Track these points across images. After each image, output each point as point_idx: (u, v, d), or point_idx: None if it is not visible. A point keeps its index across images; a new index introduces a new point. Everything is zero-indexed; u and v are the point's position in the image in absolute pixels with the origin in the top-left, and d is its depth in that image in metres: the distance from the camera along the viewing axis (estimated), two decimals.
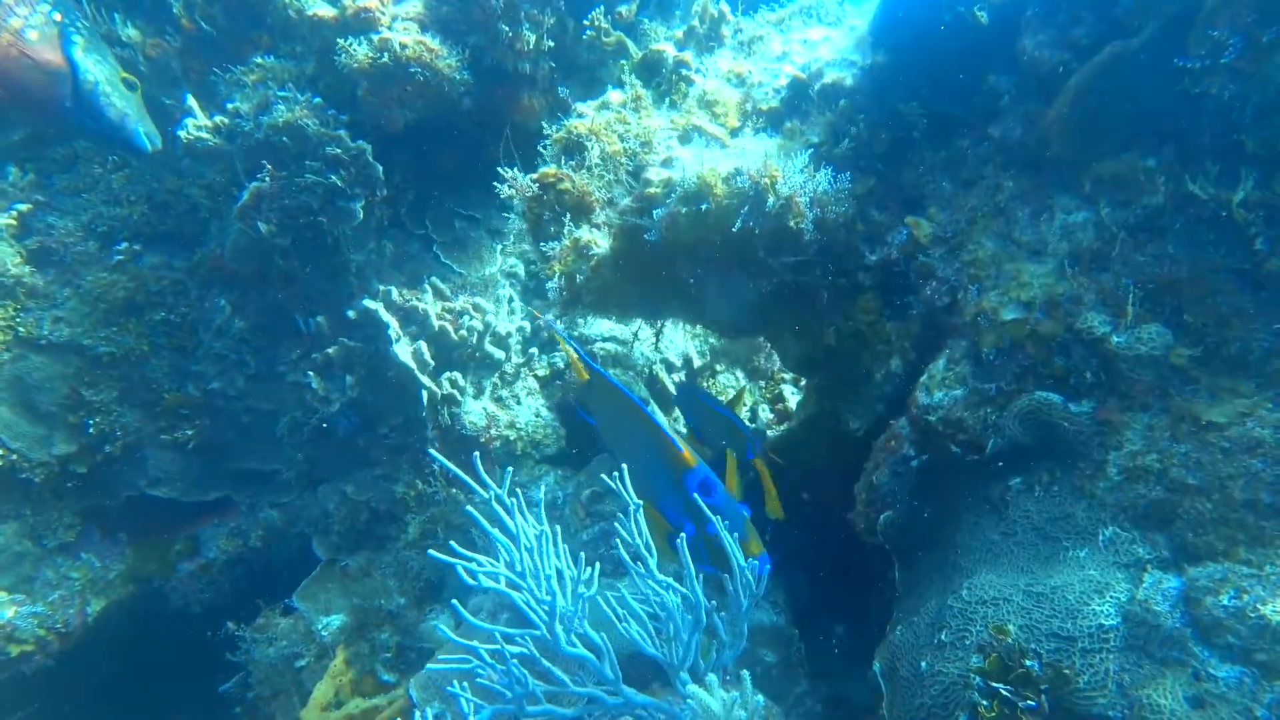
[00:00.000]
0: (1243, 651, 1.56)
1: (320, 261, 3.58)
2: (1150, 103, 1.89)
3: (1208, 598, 1.61)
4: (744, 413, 4.04)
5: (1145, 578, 1.70)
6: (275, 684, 3.58)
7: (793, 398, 4.03)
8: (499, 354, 3.56)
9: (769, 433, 3.77)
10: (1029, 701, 1.61)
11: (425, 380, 3.43)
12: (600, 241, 2.32)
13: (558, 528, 1.72)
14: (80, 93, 2.37)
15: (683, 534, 1.68)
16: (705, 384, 4.25)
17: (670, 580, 1.65)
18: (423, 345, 3.42)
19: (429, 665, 2.97)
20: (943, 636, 1.83)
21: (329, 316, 3.69)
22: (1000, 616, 1.76)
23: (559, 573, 1.67)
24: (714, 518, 1.78)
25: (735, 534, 1.78)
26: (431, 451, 1.79)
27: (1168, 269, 1.79)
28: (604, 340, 3.68)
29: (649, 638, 1.70)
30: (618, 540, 1.69)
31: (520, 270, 3.83)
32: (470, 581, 1.67)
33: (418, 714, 2.83)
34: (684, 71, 2.64)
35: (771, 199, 2.06)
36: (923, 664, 1.84)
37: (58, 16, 2.33)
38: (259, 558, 4.06)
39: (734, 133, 2.56)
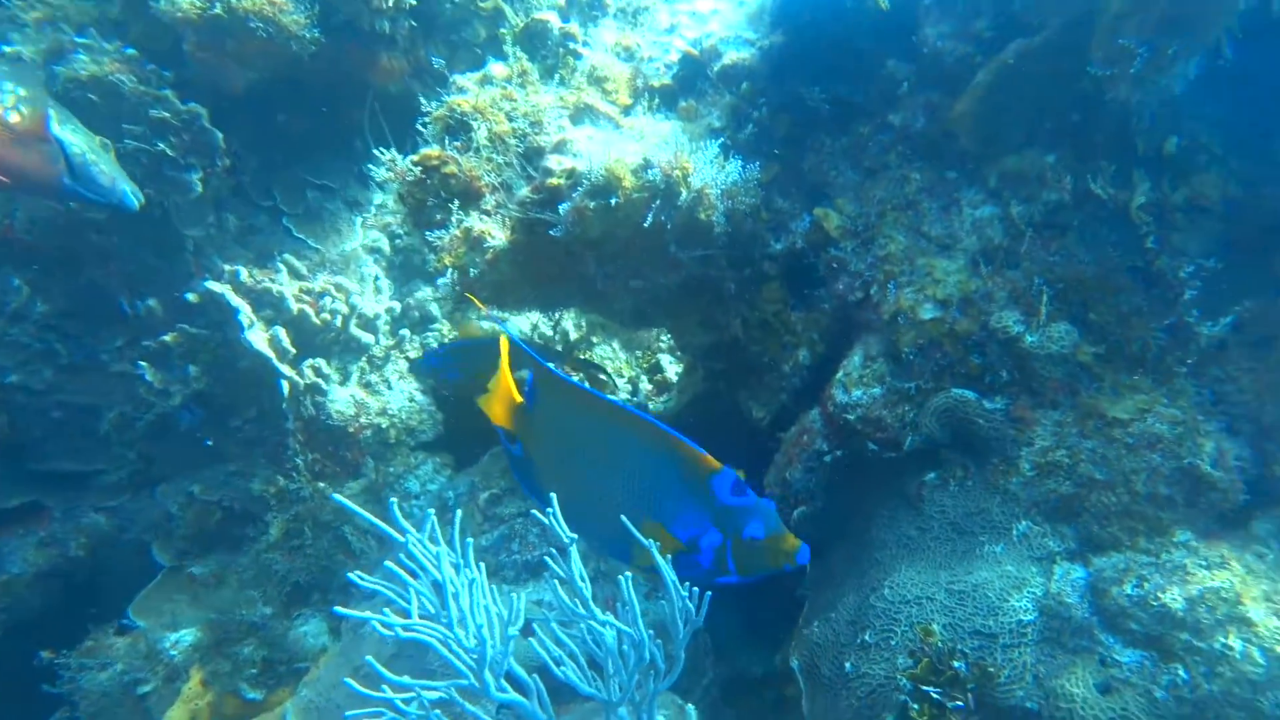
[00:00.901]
0: (1144, 637, 1.66)
1: (146, 236, 3.16)
2: (1051, 100, 1.92)
3: (1113, 588, 1.70)
4: (623, 386, 3.97)
5: (1056, 570, 1.78)
6: (112, 716, 3.21)
7: (671, 367, 4.00)
8: (366, 338, 3.29)
9: (650, 405, 3.72)
10: (957, 702, 1.66)
11: (285, 369, 3.12)
12: (495, 233, 2.13)
13: (482, 565, 1.57)
14: (73, 166, 2.37)
15: (628, 574, 1.57)
16: (583, 355, 4.14)
17: (610, 617, 1.56)
18: (280, 331, 3.10)
19: (304, 687, 2.75)
20: (867, 637, 1.84)
21: (161, 299, 3.27)
22: (924, 616, 1.79)
23: (487, 614, 1.54)
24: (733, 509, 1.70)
25: (770, 529, 1.69)
26: (336, 497, 1.57)
27: (1074, 268, 1.84)
28: (480, 319, 3.48)
29: (581, 674, 1.61)
30: (554, 581, 1.57)
31: (384, 245, 3.54)
32: (386, 633, 1.50)
33: None
34: (571, 45, 2.46)
35: (684, 193, 1.95)
36: (847, 665, 1.85)
37: (23, 91, 2.31)
38: (81, 568, 3.60)
39: (626, 111, 2.42)
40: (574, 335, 4.02)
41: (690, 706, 1.63)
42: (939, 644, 1.71)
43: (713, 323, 2.33)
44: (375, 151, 2.22)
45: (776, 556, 1.69)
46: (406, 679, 1.49)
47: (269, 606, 3.25)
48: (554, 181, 2.04)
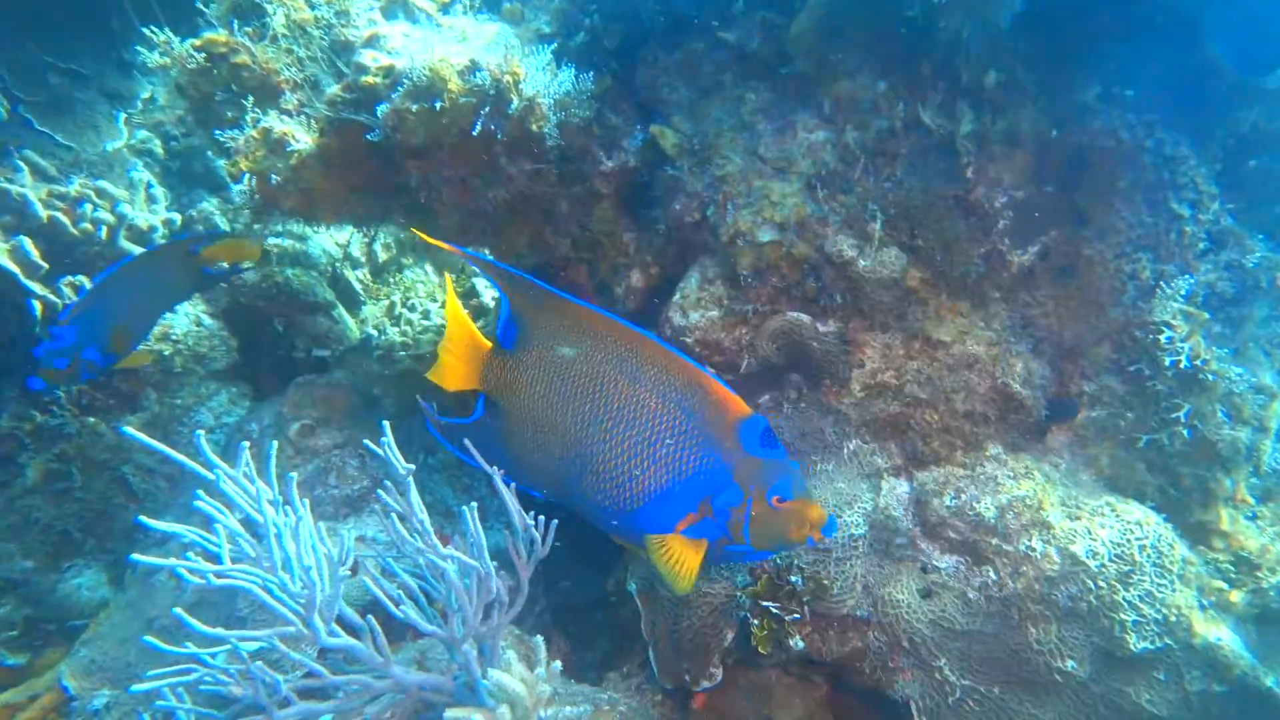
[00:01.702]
0: (960, 544, 1.78)
1: None
2: (884, 27, 1.92)
3: (934, 499, 1.80)
4: (435, 312, 3.76)
5: (883, 485, 1.86)
6: None
7: (489, 292, 3.83)
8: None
9: None
10: (794, 614, 1.71)
11: (35, 287, 2.66)
12: (300, 135, 1.87)
13: (306, 501, 1.41)
14: None
15: (473, 503, 1.46)
16: (391, 280, 3.87)
17: (453, 550, 1.45)
18: (26, 241, 2.63)
19: (82, 646, 2.44)
20: None
21: None
22: None
23: (315, 554, 1.38)
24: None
25: (799, 490, 1.43)
26: (128, 430, 1.32)
27: (904, 194, 1.87)
28: (277, 236, 3.13)
29: (421, 612, 1.50)
30: (387, 515, 1.43)
31: (156, 146, 3.07)
32: (193, 581, 1.31)
33: (79, 706, 2.33)
34: None
35: (516, 100, 1.79)
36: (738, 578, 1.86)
37: None
38: None
39: (444, 9, 2.20)
40: (383, 256, 3.74)
41: (538, 638, 1.57)
42: (777, 560, 1.75)
43: (542, 243, 2.21)
44: (145, 31, 1.87)
45: (800, 526, 1.41)
46: (220, 630, 1.31)
47: (30, 560, 2.84)
48: (369, 80, 1.81)
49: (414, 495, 1.44)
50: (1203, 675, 1.62)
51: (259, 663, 1.38)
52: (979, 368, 1.84)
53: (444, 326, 3.69)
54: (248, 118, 1.88)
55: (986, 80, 1.84)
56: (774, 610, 1.67)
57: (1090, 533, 1.67)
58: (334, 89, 1.84)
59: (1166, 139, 1.71)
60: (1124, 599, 1.63)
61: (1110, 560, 1.65)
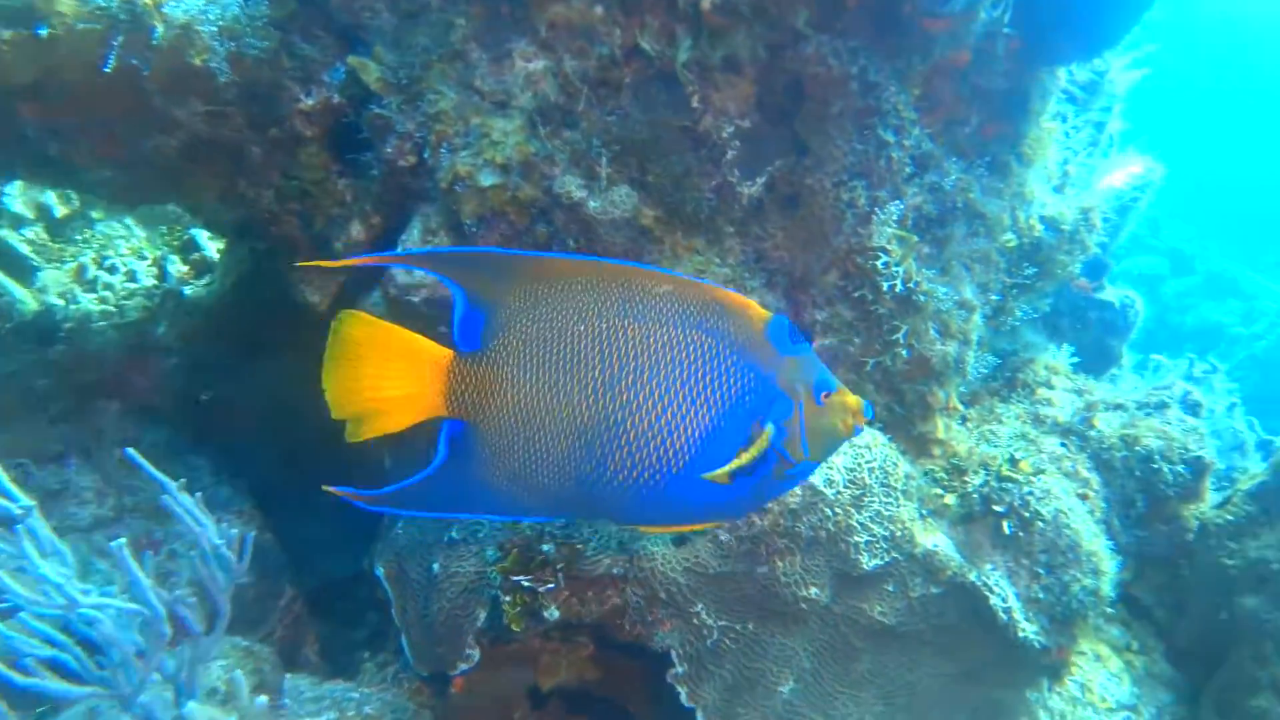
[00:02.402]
0: None
1: None
2: None
3: None
4: (144, 270, 3.27)
5: None
6: None
7: (212, 244, 3.37)
8: None
9: (186, 290, 3.10)
10: (548, 585, 1.63)
11: None
12: None
13: None
14: None
15: (121, 540, 1.20)
16: (79, 237, 3.30)
17: (106, 600, 1.20)
18: None
19: None
20: (454, 533, 1.74)
21: None
22: None
23: None
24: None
25: (835, 378, 1.25)
26: None
27: (630, 128, 1.77)
28: None
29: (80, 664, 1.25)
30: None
31: None
32: None
33: None
34: None
35: (160, 27, 1.49)
36: (435, 565, 1.73)
37: None
38: None
39: None
40: (63, 210, 3.17)
41: (260, 645, 1.39)
42: (526, 530, 1.66)
43: (238, 195, 1.91)
44: None
45: (846, 416, 1.23)
46: None
47: None
48: None
49: (39, 535, 1.17)
50: (923, 580, 1.73)
51: None
52: None
53: (160, 289, 3.20)
54: None
55: (703, 4, 1.75)
56: (526, 585, 1.59)
57: (828, 462, 1.71)
58: None
59: (870, 66, 1.71)
60: (857, 521, 1.70)
61: (845, 486, 1.70)
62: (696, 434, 1.17)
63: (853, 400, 1.24)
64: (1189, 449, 2.04)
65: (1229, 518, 1.95)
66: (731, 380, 1.19)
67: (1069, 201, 2.34)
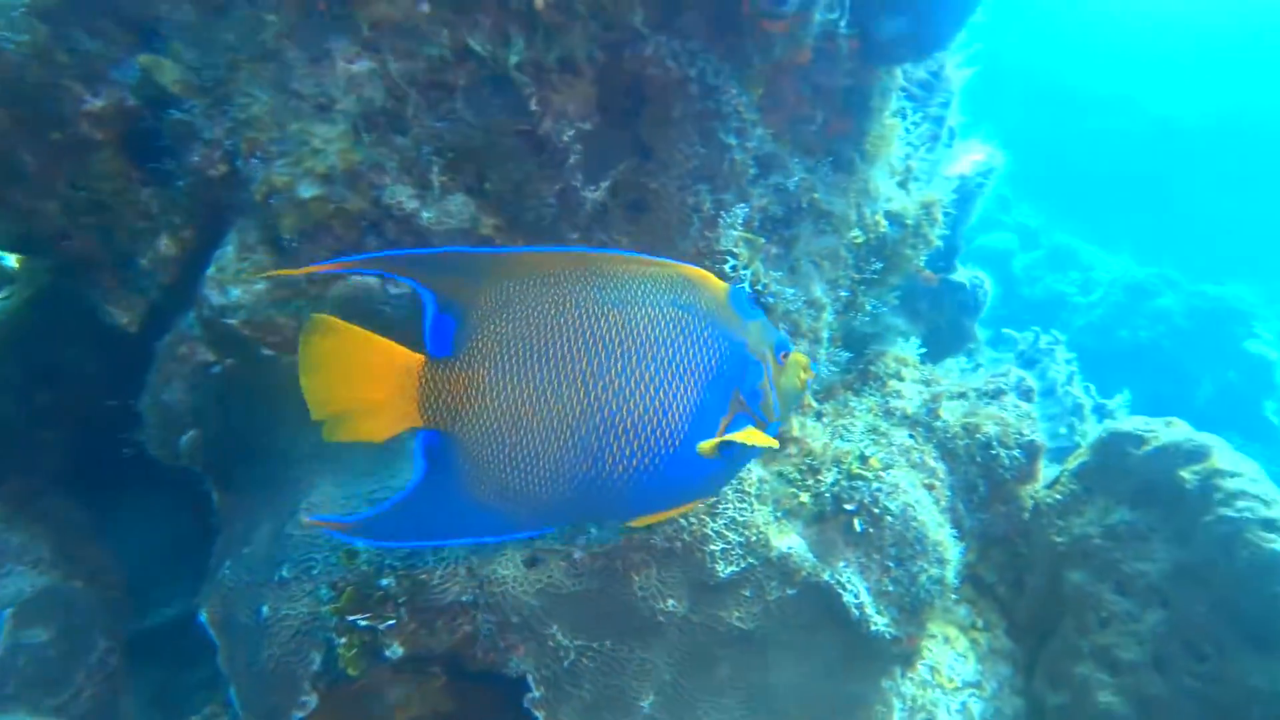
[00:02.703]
0: None
1: None
2: None
3: None
4: None
5: None
6: None
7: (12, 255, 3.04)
8: None
9: None
10: (388, 621, 1.55)
11: None
12: None
13: None
14: None
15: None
16: None
17: None
18: None
19: None
20: (284, 572, 1.61)
21: None
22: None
23: None
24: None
25: (787, 347, 1.26)
26: None
27: (464, 133, 1.68)
28: None
29: None
30: None
31: None
32: None
33: None
34: None
35: None
36: (264, 608, 1.61)
37: None
38: None
39: None
40: None
41: (54, 718, 1.24)
42: (363, 565, 1.56)
43: (15, 207, 1.71)
44: None
45: (801, 372, 1.29)
46: None
47: None
48: None
49: None
50: (779, 583, 1.74)
51: None
52: None
53: None
54: None
55: (536, 2, 1.67)
56: (363, 624, 1.49)
57: None
58: None
59: (708, 68, 1.68)
60: (712, 530, 1.69)
61: None
62: (688, 410, 1.17)
63: (803, 357, 1.29)
64: (1023, 433, 2.14)
65: (1058, 497, 2.07)
66: (711, 352, 1.19)
67: (912, 197, 2.40)
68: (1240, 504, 1.70)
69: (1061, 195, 13.69)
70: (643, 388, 1.16)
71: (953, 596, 2.03)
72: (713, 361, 1.19)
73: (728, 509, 1.71)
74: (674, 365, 1.18)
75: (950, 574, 1.88)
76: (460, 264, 1.18)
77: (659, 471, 1.16)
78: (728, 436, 1.16)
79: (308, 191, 1.61)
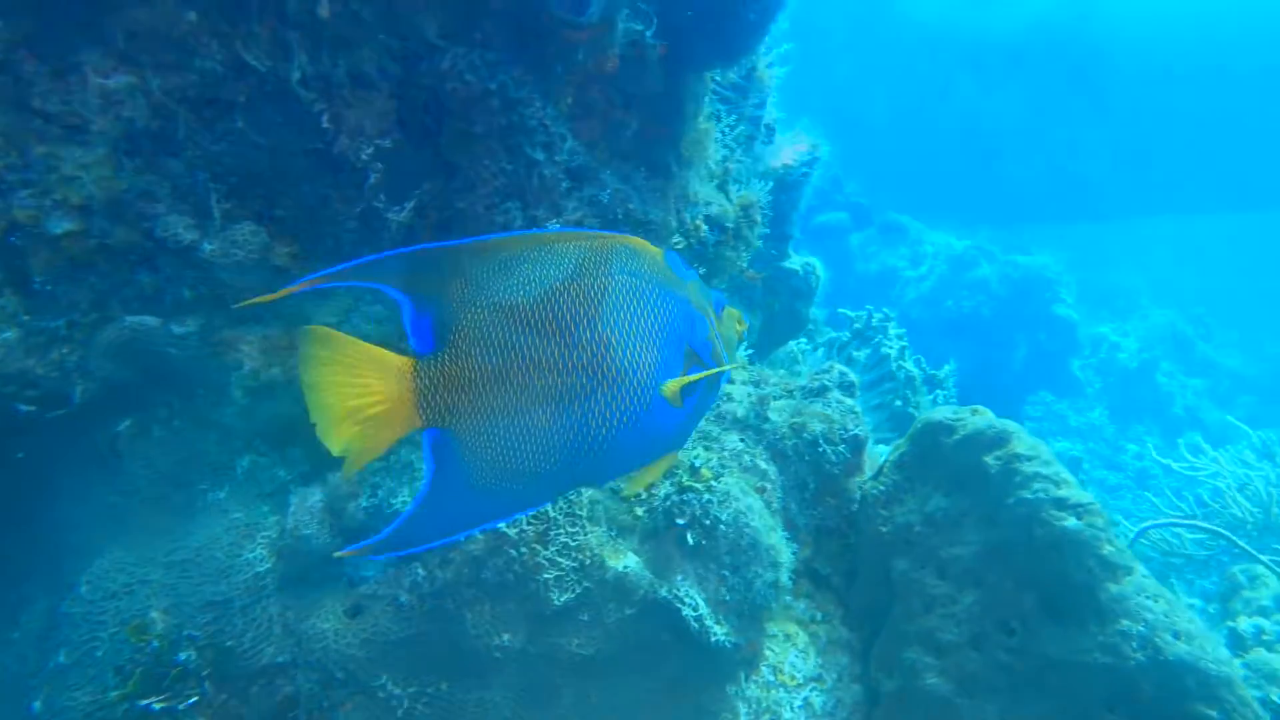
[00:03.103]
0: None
1: None
2: None
3: (349, 503, 1.61)
4: None
5: (291, 501, 1.61)
6: None
7: None
8: None
9: None
10: (190, 699, 1.41)
11: None
12: None
13: None
14: None
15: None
16: None
17: None
18: None
19: None
20: (61, 658, 1.44)
21: None
22: (138, 608, 1.46)
23: None
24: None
25: (723, 302, 1.37)
26: None
27: (247, 156, 1.54)
28: None
29: None
30: None
31: None
32: None
33: None
34: None
35: None
36: (35, 704, 1.43)
37: None
38: None
39: None
40: None
41: None
42: (156, 641, 1.42)
43: None
44: None
45: (736, 324, 1.38)
46: None
47: None
48: None
49: None
50: (617, 605, 1.72)
51: None
52: None
53: None
54: None
55: (320, 11, 1.55)
56: (158, 708, 1.35)
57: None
58: None
59: (510, 80, 1.62)
60: (544, 558, 1.64)
61: (528, 523, 1.63)
62: (652, 366, 1.25)
63: (736, 310, 1.41)
64: (847, 429, 2.21)
65: (881, 487, 2.15)
66: (664, 312, 1.28)
67: (731, 199, 2.43)
68: (1036, 485, 1.82)
69: (887, 173, 14.43)
70: (612, 352, 1.24)
71: (787, 596, 2.08)
72: (666, 320, 1.29)
73: (559, 534, 1.67)
74: (634, 328, 1.26)
75: (784, 576, 1.92)
76: (428, 260, 1.21)
77: (637, 425, 1.25)
78: (692, 378, 1.26)
79: (60, 226, 1.43)
